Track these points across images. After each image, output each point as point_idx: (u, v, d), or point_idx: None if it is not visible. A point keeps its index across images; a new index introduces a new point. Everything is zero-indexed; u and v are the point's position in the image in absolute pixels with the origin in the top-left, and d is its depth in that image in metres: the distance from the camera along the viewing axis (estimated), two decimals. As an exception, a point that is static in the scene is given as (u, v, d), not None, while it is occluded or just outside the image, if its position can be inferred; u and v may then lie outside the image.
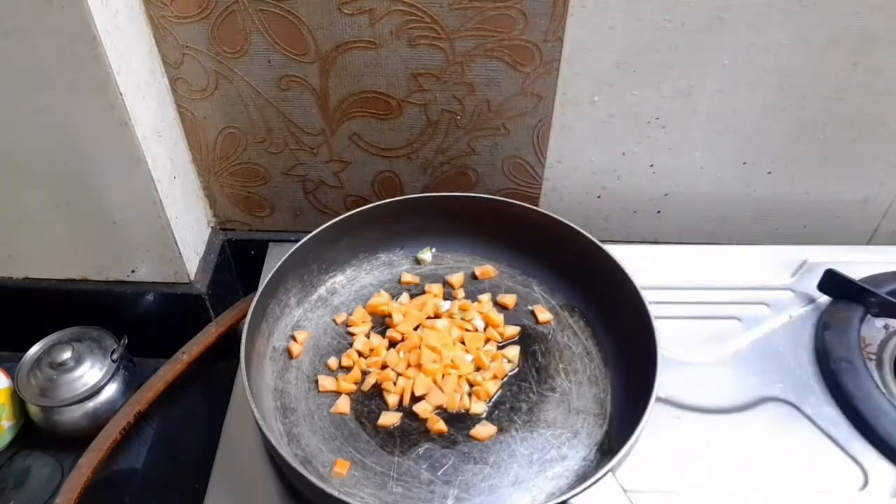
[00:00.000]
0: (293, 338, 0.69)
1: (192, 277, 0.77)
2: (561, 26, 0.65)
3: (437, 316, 0.71)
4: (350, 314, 0.71)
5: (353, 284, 0.74)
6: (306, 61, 0.69)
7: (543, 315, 0.71)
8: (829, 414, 0.62)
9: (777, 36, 0.66)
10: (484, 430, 0.61)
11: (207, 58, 0.68)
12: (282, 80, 0.70)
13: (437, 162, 0.77)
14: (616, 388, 0.64)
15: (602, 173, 0.78)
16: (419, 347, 0.66)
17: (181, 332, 0.76)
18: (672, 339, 0.67)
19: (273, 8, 0.65)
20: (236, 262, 0.87)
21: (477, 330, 0.69)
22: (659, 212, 0.82)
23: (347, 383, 0.65)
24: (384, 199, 0.73)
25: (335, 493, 0.50)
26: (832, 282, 0.71)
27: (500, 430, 0.62)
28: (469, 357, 0.66)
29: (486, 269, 0.75)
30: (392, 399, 0.64)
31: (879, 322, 0.69)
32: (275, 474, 0.61)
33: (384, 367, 0.66)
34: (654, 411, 0.55)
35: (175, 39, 0.67)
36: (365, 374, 0.66)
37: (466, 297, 0.73)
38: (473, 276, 0.75)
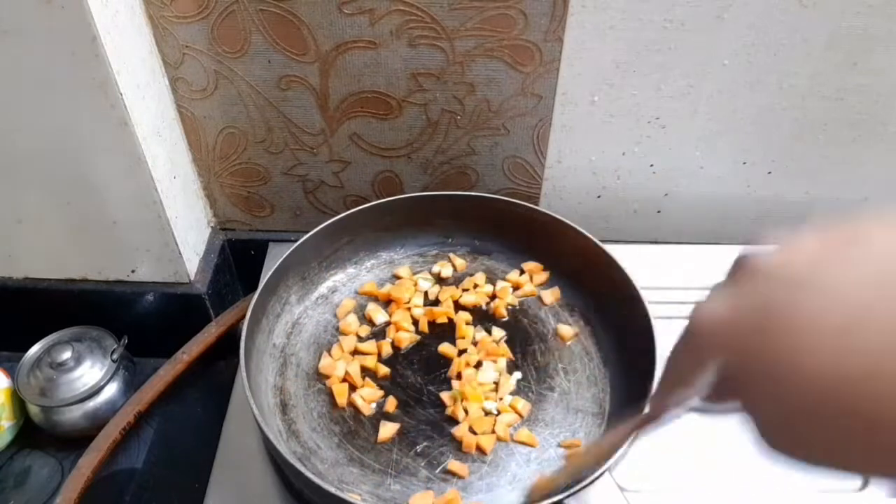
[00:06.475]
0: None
1: (192, 277, 0.77)
2: (561, 26, 0.66)
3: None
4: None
5: (353, 283, 0.74)
6: (306, 61, 0.69)
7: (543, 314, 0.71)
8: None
9: (777, 36, 0.66)
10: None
11: (207, 58, 0.69)
12: (282, 80, 0.70)
13: (437, 162, 0.78)
14: (615, 387, 0.64)
15: (602, 173, 0.78)
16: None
17: (181, 332, 0.76)
18: (672, 339, 0.67)
19: (273, 8, 0.65)
20: (236, 262, 0.87)
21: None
22: (659, 212, 0.82)
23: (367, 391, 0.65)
24: (384, 198, 0.73)
25: (332, 490, 0.50)
26: (832, 282, 0.71)
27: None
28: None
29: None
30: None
31: (879, 322, 0.69)
32: (275, 473, 0.61)
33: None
34: (653, 411, 0.55)
35: (175, 39, 0.67)
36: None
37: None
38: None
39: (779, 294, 0.27)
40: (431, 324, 0.70)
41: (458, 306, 0.72)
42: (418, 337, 0.69)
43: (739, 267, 0.30)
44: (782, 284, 0.27)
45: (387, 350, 0.68)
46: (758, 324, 0.27)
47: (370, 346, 0.68)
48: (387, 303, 0.72)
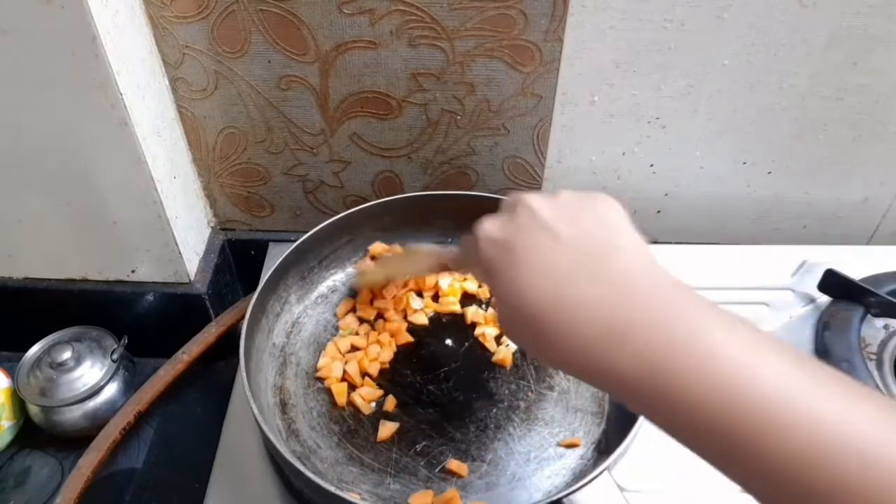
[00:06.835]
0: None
1: (192, 277, 0.77)
2: (561, 26, 0.66)
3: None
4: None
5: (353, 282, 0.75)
6: (306, 61, 0.69)
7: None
8: (829, 414, 0.62)
9: (777, 36, 0.66)
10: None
11: (207, 58, 0.69)
12: (282, 80, 0.70)
13: (437, 162, 0.78)
14: (615, 387, 0.64)
15: (602, 173, 0.78)
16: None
17: (181, 332, 0.76)
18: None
19: (273, 8, 0.65)
20: (236, 262, 0.87)
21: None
22: (659, 212, 0.82)
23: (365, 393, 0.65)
24: (384, 198, 0.73)
25: (332, 489, 0.50)
26: (832, 282, 0.71)
27: (497, 427, 0.62)
28: None
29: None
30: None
31: (879, 322, 0.69)
32: (275, 473, 0.61)
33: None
34: (652, 410, 0.55)
35: (175, 39, 0.67)
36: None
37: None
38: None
39: (532, 232, 0.39)
40: (434, 319, 0.71)
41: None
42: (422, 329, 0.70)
43: (518, 202, 0.41)
44: (538, 226, 0.39)
45: (386, 349, 0.68)
46: (510, 246, 0.39)
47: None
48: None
